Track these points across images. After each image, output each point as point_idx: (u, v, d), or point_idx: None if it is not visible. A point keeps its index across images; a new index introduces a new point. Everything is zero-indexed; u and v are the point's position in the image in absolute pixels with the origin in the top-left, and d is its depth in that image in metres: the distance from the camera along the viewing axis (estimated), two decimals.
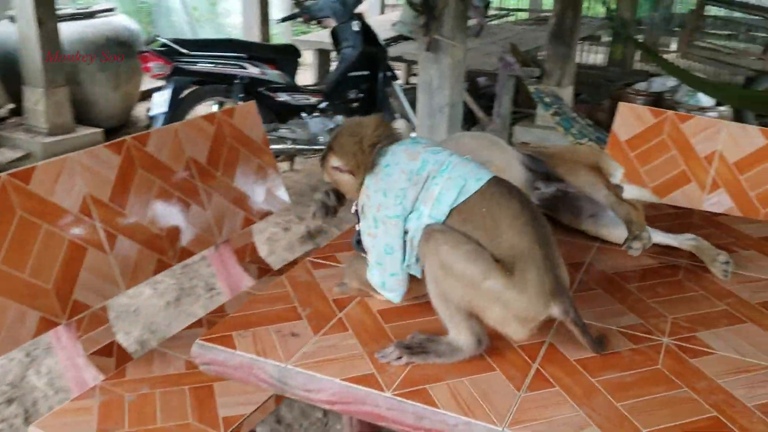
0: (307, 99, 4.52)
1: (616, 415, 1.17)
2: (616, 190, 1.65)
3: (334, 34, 4.85)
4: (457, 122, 3.76)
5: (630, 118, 2.59)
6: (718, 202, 2.44)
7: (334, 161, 1.45)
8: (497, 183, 1.33)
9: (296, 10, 4.93)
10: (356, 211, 1.50)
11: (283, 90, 4.48)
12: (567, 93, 5.23)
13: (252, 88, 4.36)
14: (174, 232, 2.11)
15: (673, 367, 1.29)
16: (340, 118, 4.54)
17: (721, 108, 4.95)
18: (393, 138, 1.43)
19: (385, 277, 1.40)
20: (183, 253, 2.13)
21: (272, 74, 4.46)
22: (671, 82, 5.31)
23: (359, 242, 1.47)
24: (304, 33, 8.80)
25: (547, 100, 3.43)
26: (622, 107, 2.61)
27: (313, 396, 1.27)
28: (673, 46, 7.85)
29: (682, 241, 1.71)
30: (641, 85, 5.47)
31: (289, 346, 1.34)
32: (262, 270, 2.41)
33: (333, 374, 1.27)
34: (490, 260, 1.26)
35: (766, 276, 1.63)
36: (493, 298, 1.26)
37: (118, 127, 5.87)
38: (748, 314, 1.46)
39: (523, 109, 5.61)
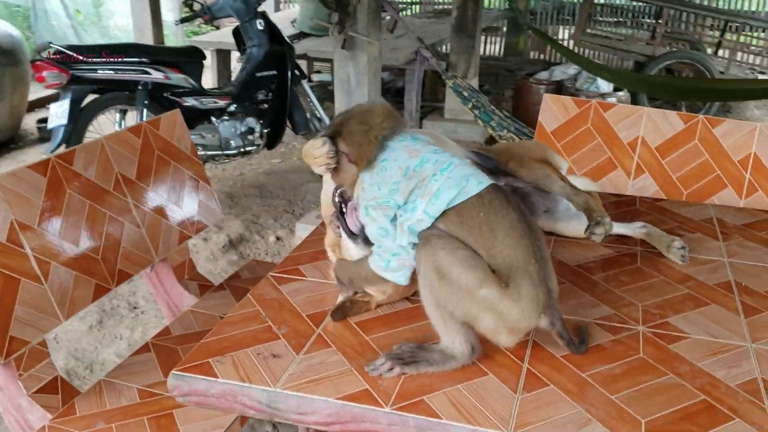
0: (215, 102, 4.38)
1: (613, 407, 1.19)
2: (570, 181, 1.68)
3: (237, 33, 4.72)
4: None
5: (555, 109, 2.65)
6: (644, 187, 2.54)
7: (343, 147, 1.42)
8: (496, 189, 1.33)
9: (188, 11, 4.75)
10: (339, 200, 1.48)
11: (189, 94, 4.31)
12: (473, 85, 5.33)
13: (156, 94, 4.18)
14: (110, 255, 1.98)
15: (654, 354, 1.33)
16: (251, 121, 4.43)
17: (620, 93, 5.18)
18: (397, 129, 1.42)
19: (389, 258, 1.35)
20: (121, 276, 2.01)
21: (177, 78, 4.29)
22: (572, 70, 5.50)
23: (366, 238, 1.43)
24: (196, 34, 8.56)
25: (465, 93, 3.47)
26: (547, 98, 2.67)
27: (307, 418, 1.23)
28: (563, 35, 8.15)
29: (635, 229, 1.77)
30: (543, 75, 5.65)
31: (273, 369, 1.29)
32: (203, 286, 2.31)
33: (326, 394, 1.22)
34: (487, 269, 1.25)
35: (716, 258, 1.70)
36: (487, 307, 1.25)
37: (6, 141, 5.50)
38: (710, 296, 1.53)
39: (430, 103, 5.68)
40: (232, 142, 4.38)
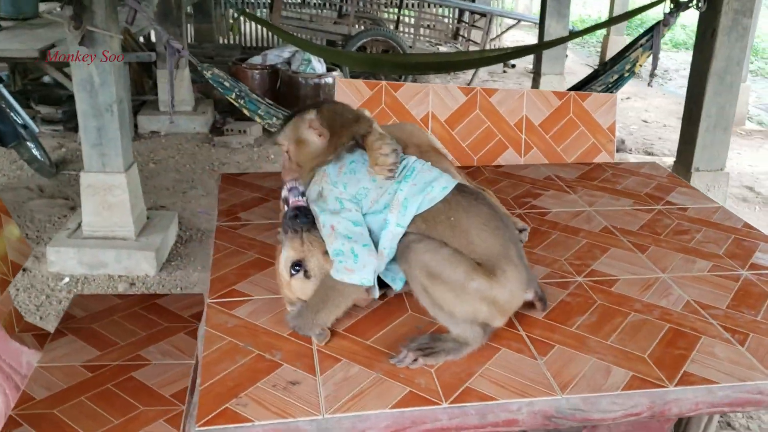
0: None
1: (617, 351, 1.34)
2: (467, 177, 1.77)
3: None
4: (126, 120, 3.43)
5: (349, 92, 2.73)
6: None
7: (313, 117, 1.40)
8: (462, 191, 1.38)
9: None
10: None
11: None
12: (186, 74, 5.12)
13: None
14: None
15: (607, 299, 1.51)
16: None
17: (334, 73, 5.41)
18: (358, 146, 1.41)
19: (358, 250, 1.31)
20: None
21: None
22: (286, 53, 5.56)
23: (296, 216, 1.38)
24: None
25: (226, 84, 3.33)
26: (340, 83, 2.74)
27: None
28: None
29: None
30: (256, 59, 5.61)
31: (303, 396, 1.20)
32: (40, 336, 1.95)
33: (375, 406, 1.18)
34: (471, 261, 1.31)
35: (582, 208, 1.96)
36: (480, 298, 1.30)
37: None
38: (604, 241, 1.77)
39: (138, 97, 5.31)
40: None
